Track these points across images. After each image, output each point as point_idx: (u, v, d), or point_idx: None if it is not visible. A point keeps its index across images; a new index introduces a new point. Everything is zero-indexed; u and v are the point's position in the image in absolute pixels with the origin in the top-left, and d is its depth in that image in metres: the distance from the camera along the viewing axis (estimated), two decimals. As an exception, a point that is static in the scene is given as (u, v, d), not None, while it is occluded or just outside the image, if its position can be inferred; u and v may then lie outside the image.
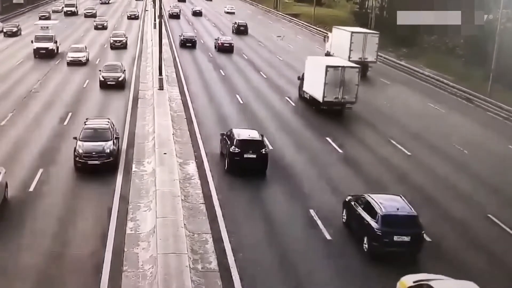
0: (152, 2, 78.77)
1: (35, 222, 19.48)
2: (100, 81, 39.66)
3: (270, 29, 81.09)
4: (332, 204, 22.02)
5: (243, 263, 17.57)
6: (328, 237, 19.66)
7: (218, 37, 61.83)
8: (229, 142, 25.12)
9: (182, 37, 61.88)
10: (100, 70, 41.03)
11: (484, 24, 50.80)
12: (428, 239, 19.28)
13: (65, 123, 31.11)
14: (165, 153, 25.04)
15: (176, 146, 26.89)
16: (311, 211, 21.46)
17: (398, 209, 18.57)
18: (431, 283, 14.60)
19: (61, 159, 25.39)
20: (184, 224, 18.79)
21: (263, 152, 24.80)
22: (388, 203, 18.85)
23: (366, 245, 18.58)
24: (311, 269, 17.68)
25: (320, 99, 35.16)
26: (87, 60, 48.26)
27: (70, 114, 32.74)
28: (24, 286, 15.73)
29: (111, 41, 57.88)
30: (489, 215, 22.38)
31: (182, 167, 24.77)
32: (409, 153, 29.29)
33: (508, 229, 21.33)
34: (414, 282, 15.26)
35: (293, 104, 38.50)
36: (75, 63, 47.13)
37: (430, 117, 37.50)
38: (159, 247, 16.91)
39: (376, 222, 18.18)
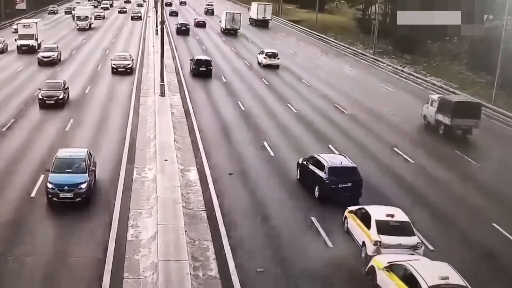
0: (154, 9, 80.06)
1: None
2: None
3: (271, 37, 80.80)
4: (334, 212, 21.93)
5: (243, 270, 17.51)
6: (330, 244, 19.56)
7: (196, 17, 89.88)
8: None
9: (170, 10, 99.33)
10: None
11: (484, 23, 51.35)
12: (431, 247, 19.30)
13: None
14: (166, 160, 24.98)
15: (177, 153, 26.84)
16: (313, 218, 21.34)
17: (341, 163, 23.31)
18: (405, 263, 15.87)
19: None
20: (185, 231, 18.74)
21: None
22: (333, 159, 23.65)
23: (317, 192, 22.80)
24: (312, 276, 17.59)
25: (224, 27, 76.90)
26: None
27: None
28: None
29: (50, 190, 20.79)
30: (494, 224, 22.16)
31: (183, 174, 24.67)
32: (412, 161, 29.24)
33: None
34: (388, 262, 16.45)
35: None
36: None
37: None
38: (160, 254, 16.89)
39: (325, 173, 22.50)
